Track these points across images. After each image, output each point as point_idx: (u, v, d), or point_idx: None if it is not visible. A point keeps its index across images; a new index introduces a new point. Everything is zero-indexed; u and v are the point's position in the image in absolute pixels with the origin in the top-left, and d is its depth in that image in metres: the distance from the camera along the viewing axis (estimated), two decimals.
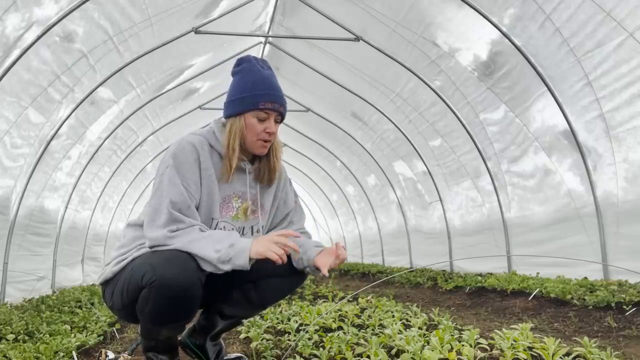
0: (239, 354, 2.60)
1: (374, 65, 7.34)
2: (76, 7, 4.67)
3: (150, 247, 2.05)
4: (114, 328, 4.06)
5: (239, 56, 7.77)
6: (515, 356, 2.21)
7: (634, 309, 3.83)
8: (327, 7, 6.46)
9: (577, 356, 2.24)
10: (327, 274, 2.13)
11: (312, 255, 2.20)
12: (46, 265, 7.18)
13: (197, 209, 2.12)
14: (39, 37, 4.63)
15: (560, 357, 2.20)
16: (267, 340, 2.97)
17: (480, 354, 2.30)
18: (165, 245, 2.00)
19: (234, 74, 2.23)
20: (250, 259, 1.97)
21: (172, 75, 7.43)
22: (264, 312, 3.89)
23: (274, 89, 2.15)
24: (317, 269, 2.17)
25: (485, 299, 5.49)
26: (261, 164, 2.28)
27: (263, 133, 2.13)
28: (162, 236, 1.99)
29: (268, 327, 3.50)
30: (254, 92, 2.12)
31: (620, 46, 4.50)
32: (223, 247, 1.96)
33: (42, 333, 3.71)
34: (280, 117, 2.19)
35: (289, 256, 2.30)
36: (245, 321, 3.43)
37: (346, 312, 3.83)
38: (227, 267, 1.97)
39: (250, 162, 2.26)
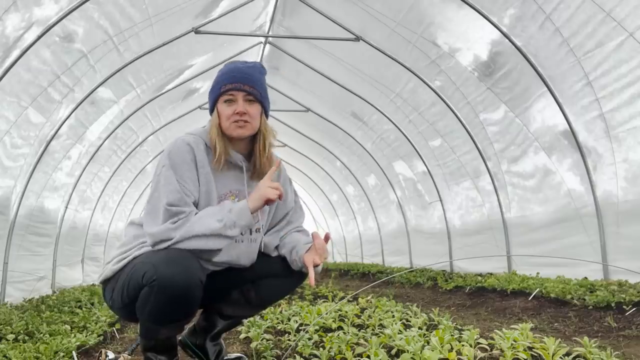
0: (239, 354, 2.60)
1: (374, 65, 7.34)
2: (76, 7, 4.67)
3: (153, 245, 2.04)
4: (114, 328, 4.06)
5: (238, 57, 7.74)
6: (515, 356, 2.21)
7: (634, 309, 3.83)
8: (327, 7, 6.46)
9: (577, 356, 2.24)
10: (312, 275, 2.13)
11: (301, 253, 2.21)
12: (46, 265, 7.17)
13: (196, 207, 2.12)
14: (39, 37, 4.62)
15: (560, 357, 2.20)
16: (267, 340, 2.97)
17: (480, 354, 2.30)
18: (169, 239, 1.99)
19: None
20: (252, 215, 2.06)
21: (172, 75, 7.43)
22: (264, 312, 3.90)
23: (237, 71, 2.16)
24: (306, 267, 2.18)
25: (485, 299, 5.49)
26: (255, 158, 2.24)
27: (233, 115, 2.13)
28: (165, 229, 2.00)
29: (268, 327, 3.50)
30: (218, 80, 2.18)
31: (620, 46, 4.50)
32: (223, 215, 2.02)
33: (42, 333, 3.71)
34: (253, 97, 2.15)
35: (285, 258, 2.30)
36: (245, 321, 3.43)
37: (346, 312, 3.83)
38: (235, 232, 2.04)
39: (246, 158, 2.25)
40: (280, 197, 2.08)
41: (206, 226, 1.99)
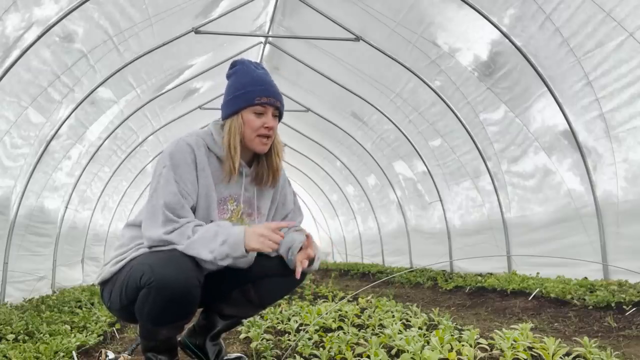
0: (239, 354, 2.60)
1: (374, 65, 7.34)
2: (76, 7, 4.67)
3: (149, 247, 2.05)
4: (114, 328, 4.06)
5: (238, 57, 7.77)
6: (515, 356, 2.21)
7: (634, 309, 3.83)
8: (327, 7, 6.46)
9: (577, 356, 2.24)
10: (298, 270, 2.12)
11: (296, 253, 2.22)
12: (46, 265, 7.17)
13: (195, 209, 2.12)
14: (39, 37, 4.62)
15: (560, 357, 2.20)
16: (267, 340, 2.97)
17: (480, 354, 2.30)
18: (163, 246, 2.01)
19: (228, 76, 2.26)
20: (247, 251, 1.98)
21: (172, 75, 7.42)
22: (264, 312, 3.90)
23: (269, 84, 2.18)
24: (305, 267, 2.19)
25: (485, 299, 5.49)
26: (260, 165, 2.26)
27: (262, 128, 2.13)
28: (159, 238, 2.00)
29: (268, 327, 3.50)
30: (249, 88, 2.14)
31: (620, 46, 4.50)
32: (216, 247, 1.96)
33: (42, 333, 3.71)
34: (278, 113, 2.20)
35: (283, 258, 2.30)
36: (245, 321, 3.43)
37: (346, 312, 3.83)
38: (226, 262, 1.99)
39: (247, 164, 2.25)
40: (273, 249, 2.02)
41: (198, 255, 1.97)
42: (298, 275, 2.12)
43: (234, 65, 2.27)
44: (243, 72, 2.21)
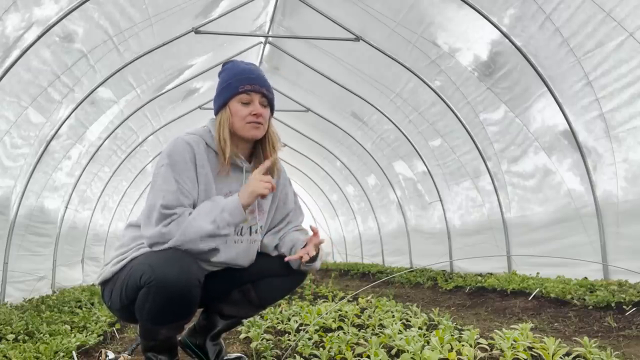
0: (239, 354, 2.60)
1: (374, 65, 7.34)
2: (76, 7, 4.67)
3: (150, 246, 2.05)
4: (114, 328, 4.06)
5: (238, 57, 7.74)
6: (515, 356, 2.21)
7: (634, 309, 3.83)
8: (327, 7, 6.46)
9: (577, 356, 2.24)
10: (304, 260, 2.15)
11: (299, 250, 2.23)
12: (46, 265, 7.17)
13: (195, 207, 2.12)
14: (39, 37, 4.62)
15: (560, 357, 2.20)
16: (267, 340, 2.97)
17: (480, 354, 2.30)
18: (163, 242, 2.00)
19: (219, 75, 2.29)
20: (245, 211, 2.08)
21: (172, 75, 7.42)
22: (264, 312, 3.90)
23: (253, 73, 2.20)
24: (307, 264, 2.20)
25: (485, 299, 5.49)
26: (258, 160, 2.26)
27: (249, 116, 2.14)
28: (157, 232, 2.00)
29: (268, 327, 3.50)
30: (233, 79, 2.18)
31: (620, 46, 4.50)
32: (216, 216, 2.02)
33: (42, 333, 3.71)
34: (267, 101, 2.20)
35: (285, 257, 2.30)
36: (245, 321, 3.43)
37: (346, 312, 3.83)
38: (229, 230, 2.06)
39: (247, 159, 2.26)
40: (272, 189, 2.10)
41: (200, 230, 1.99)
42: (295, 257, 2.14)
43: (224, 64, 2.31)
44: (230, 68, 2.25)
